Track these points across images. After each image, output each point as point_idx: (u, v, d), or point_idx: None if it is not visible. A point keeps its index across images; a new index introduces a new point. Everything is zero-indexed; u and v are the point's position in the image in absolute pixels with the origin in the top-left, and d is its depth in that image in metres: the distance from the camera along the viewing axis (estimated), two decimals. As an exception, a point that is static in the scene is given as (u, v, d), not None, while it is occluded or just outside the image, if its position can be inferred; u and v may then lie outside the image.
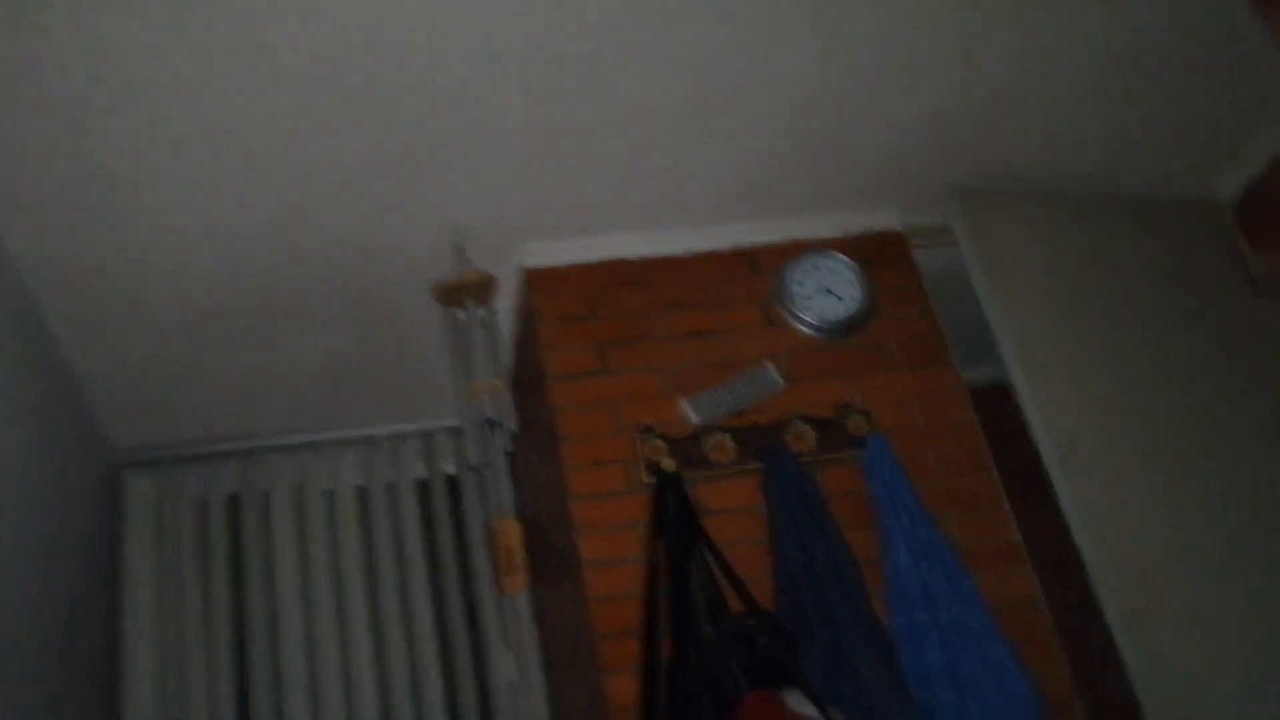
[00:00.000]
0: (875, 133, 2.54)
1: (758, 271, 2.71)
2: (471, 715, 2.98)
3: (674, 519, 2.30)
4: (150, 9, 1.86)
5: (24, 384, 2.42)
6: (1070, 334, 2.63)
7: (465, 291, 2.55)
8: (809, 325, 2.63)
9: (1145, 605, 2.32)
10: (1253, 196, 2.93)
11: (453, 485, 3.29)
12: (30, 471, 2.40)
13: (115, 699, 2.83)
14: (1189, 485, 2.51)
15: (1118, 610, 2.31)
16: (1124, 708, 2.30)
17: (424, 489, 3.26)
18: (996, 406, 2.70)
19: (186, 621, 2.96)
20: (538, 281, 2.65)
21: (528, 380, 2.72)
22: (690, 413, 2.49)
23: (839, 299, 2.66)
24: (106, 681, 2.84)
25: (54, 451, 2.61)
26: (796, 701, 2.04)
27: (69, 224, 2.31)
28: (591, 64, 2.18)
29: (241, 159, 2.23)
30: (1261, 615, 2.38)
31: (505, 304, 2.74)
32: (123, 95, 2.02)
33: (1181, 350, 2.71)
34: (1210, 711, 2.23)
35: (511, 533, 2.59)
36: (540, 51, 2.13)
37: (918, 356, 2.66)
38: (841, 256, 2.70)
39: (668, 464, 2.37)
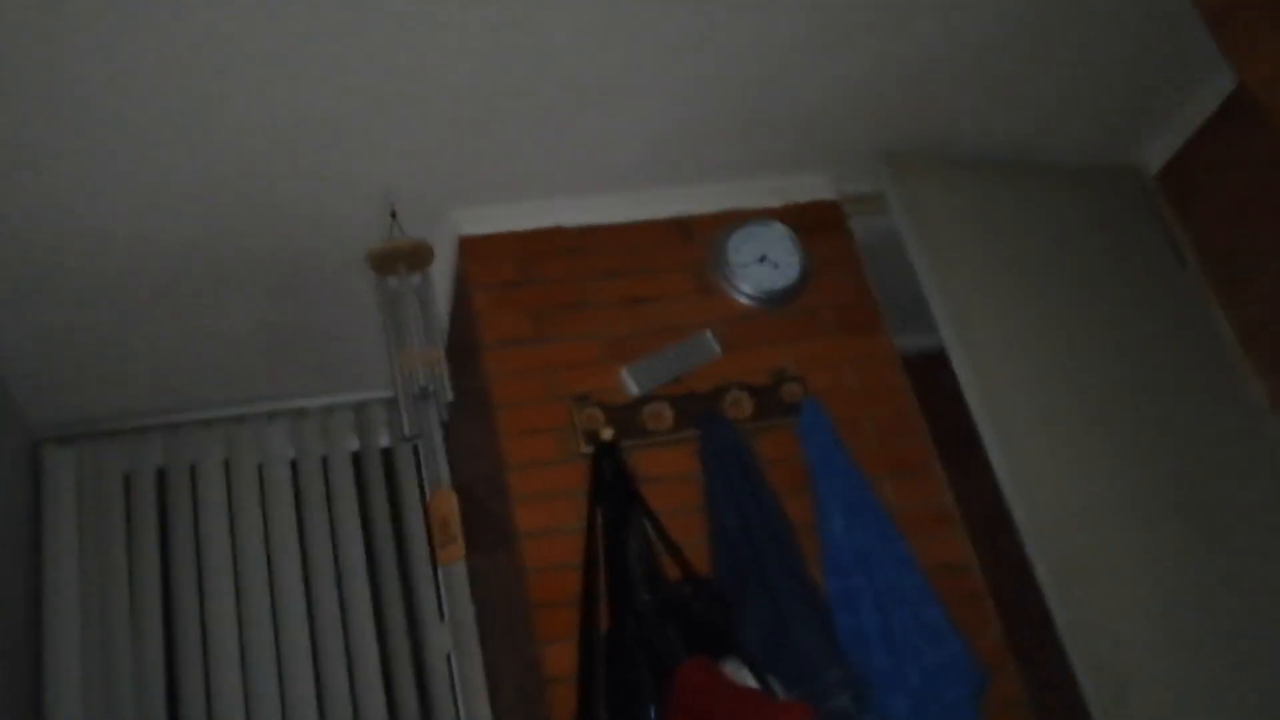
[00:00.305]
0: (807, 98, 2.54)
1: (693, 239, 2.70)
2: (408, 687, 2.96)
3: (611, 487, 2.29)
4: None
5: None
6: (1001, 300, 2.66)
7: (398, 259, 2.50)
8: (746, 294, 2.63)
9: (1073, 565, 2.36)
10: (1178, 164, 2.98)
11: (387, 457, 3.26)
12: None
13: (38, 677, 2.77)
14: (1116, 447, 2.57)
15: (1047, 570, 2.34)
16: (1055, 666, 2.35)
17: (358, 461, 3.22)
18: (931, 373, 2.73)
19: (112, 599, 2.90)
20: (472, 249, 2.62)
21: (463, 349, 2.69)
22: (628, 381, 2.48)
23: (775, 267, 2.66)
24: (29, 660, 2.78)
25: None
26: (734, 669, 2.05)
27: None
28: (523, 28, 2.15)
29: (162, 121, 2.17)
30: (1182, 573, 2.44)
31: (439, 272, 2.70)
32: (32, 55, 1.94)
33: (1109, 316, 2.76)
34: (1133, 667, 2.28)
35: (447, 503, 2.57)
36: (471, 14, 2.09)
37: (852, 323, 2.67)
38: (777, 224, 2.70)
39: (605, 433, 2.36)
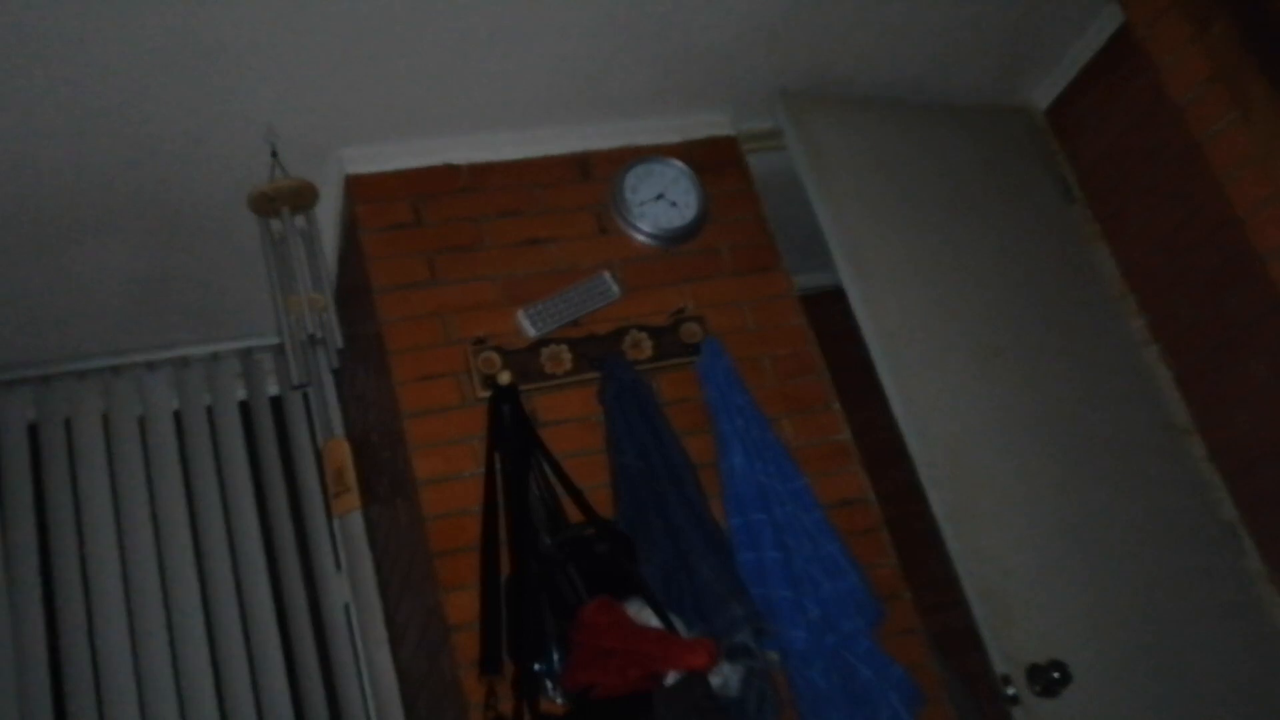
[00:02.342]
0: (705, 33, 2.51)
1: (590, 177, 2.66)
2: (306, 641, 2.90)
3: (510, 432, 2.27)
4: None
5: None
6: (895, 237, 2.69)
7: (282, 200, 2.41)
8: (644, 233, 2.61)
9: (963, 495, 2.42)
10: (1065, 102, 3.04)
11: (277, 406, 3.16)
12: None
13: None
14: (1005, 380, 2.63)
15: (939, 500, 2.40)
16: (946, 592, 2.42)
17: (246, 411, 3.12)
18: (829, 308, 2.75)
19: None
20: (360, 188, 2.53)
21: (354, 294, 2.61)
22: (526, 325, 2.44)
23: (674, 205, 2.63)
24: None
25: None
26: (636, 609, 2.06)
27: None
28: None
29: (25, 52, 2.03)
30: (1063, 502, 2.53)
31: (326, 213, 2.61)
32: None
33: (999, 251, 2.82)
34: (1018, 595, 2.36)
35: (340, 452, 2.52)
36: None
37: (750, 262, 2.67)
38: (676, 162, 2.67)
39: (504, 377, 2.32)
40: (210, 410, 3.08)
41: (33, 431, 2.97)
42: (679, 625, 2.06)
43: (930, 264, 2.70)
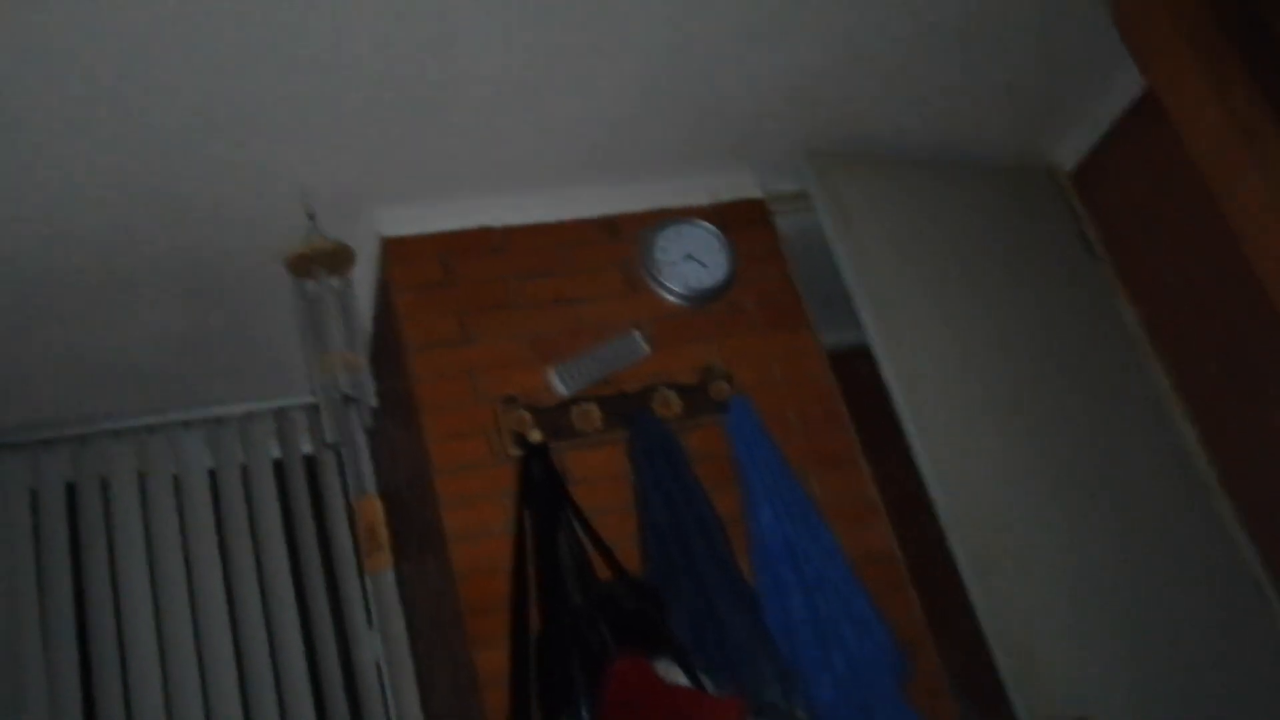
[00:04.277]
0: (730, 95, 2.55)
1: (619, 238, 2.70)
2: (339, 698, 2.92)
3: (540, 489, 2.29)
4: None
5: None
6: (921, 294, 2.72)
7: (319, 261, 2.46)
8: (674, 292, 2.64)
9: (989, 550, 2.42)
10: (1090, 161, 3.07)
11: (310, 464, 3.20)
12: None
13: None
14: (1030, 436, 2.64)
15: (965, 555, 2.40)
16: (971, 646, 2.41)
17: (280, 469, 3.16)
18: (855, 366, 2.77)
19: (21, 620, 2.79)
20: (394, 249, 2.58)
21: (387, 352, 2.66)
22: (557, 383, 2.47)
23: (703, 266, 2.67)
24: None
25: None
26: (666, 666, 2.06)
27: None
28: (443, 19, 2.12)
29: (64, 116, 2.09)
30: (1089, 557, 2.53)
31: (361, 272, 2.64)
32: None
33: (1024, 308, 2.84)
34: (1045, 649, 2.35)
35: (373, 511, 2.54)
36: (378, 9, 2.05)
37: (777, 319, 2.70)
38: (704, 223, 2.71)
39: (534, 435, 2.35)
40: (244, 468, 3.12)
41: (70, 490, 3.00)
42: (708, 683, 2.06)
43: (955, 321, 2.72)
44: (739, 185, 2.84)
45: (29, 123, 2.08)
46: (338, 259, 2.49)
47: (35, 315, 2.63)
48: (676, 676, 2.06)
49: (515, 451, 2.36)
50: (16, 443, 2.97)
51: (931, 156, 2.95)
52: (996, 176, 3.04)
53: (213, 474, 3.09)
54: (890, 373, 2.56)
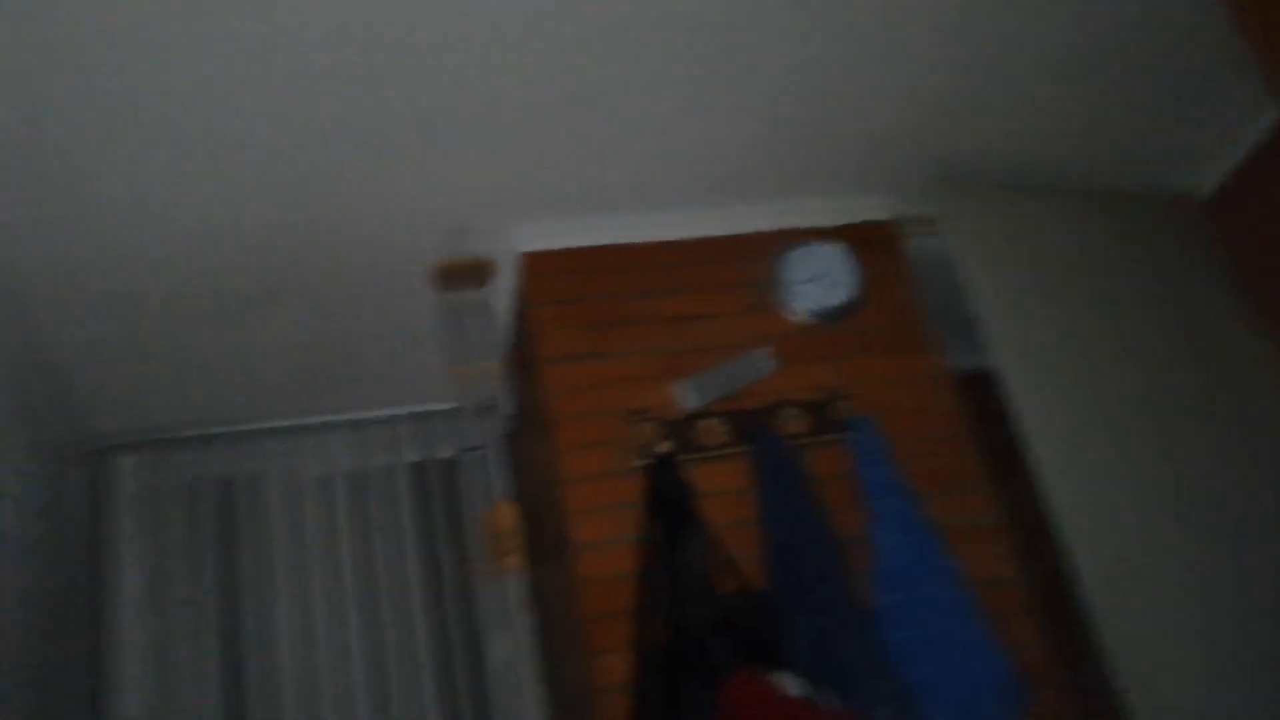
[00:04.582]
0: (863, 120, 2.56)
1: (748, 257, 2.74)
2: (466, 697, 3.01)
3: (666, 501, 2.33)
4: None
5: (7, 370, 2.41)
6: (1050, 321, 2.69)
7: (461, 275, 2.56)
8: (800, 312, 2.67)
9: (1116, 582, 2.38)
10: (1228, 191, 2.99)
11: (447, 468, 3.31)
12: (14, 458, 2.38)
13: (98, 684, 2.84)
14: (1160, 468, 2.59)
15: (1091, 586, 2.36)
16: (1097, 678, 2.38)
17: (419, 472, 3.28)
18: (978, 391, 2.76)
19: (174, 607, 2.97)
20: (531, 264, 2.67)
21: (522, 363, 2.74)
22: (683, 397, 2.52)
23: (831, 286, 2.69)
24: (93, 667, 2.84)
25: (38, 437, 2.59)
26: (784, 681, 2.09)
27: (44, 205, 2.29)
28: (580, 44, 2.18)
29: (224, 137, 2.21)
30: (1222, 591, 2.46)
31: (500, 287, 2.75)
32: (98, 79, 2.01)
33: (1155, 338, 2.78)
34: (1174, 686, 2.31)
35: (506, 515, 2.62)
36: (531, 31, 2.12)
37: (902, 341, 2.71)
38: (834, 244, 2.73)
39: (662, 446, 2.41)
40: (385, 470, 3.25)
41: (223, 485, 3.17)
42: (823, 699, 2.09)
43: (1083, 348, 2.69)
44: (868, 207, 2.85)
45: (190, 146, 2.21)
46: (479, 272, 2.59)
47: (197, 321, 2.79)
48: (795, 690, 2.08)
49: (642, 462, 2.42)
50: (177, 439, 3.17)
51: (1063, 183, 2.92)
52: (1130, 204, 2.98)
53: (355, 475, 3.23)
54: (1016, 399, 2.54)
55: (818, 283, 2.70)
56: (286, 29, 1.99)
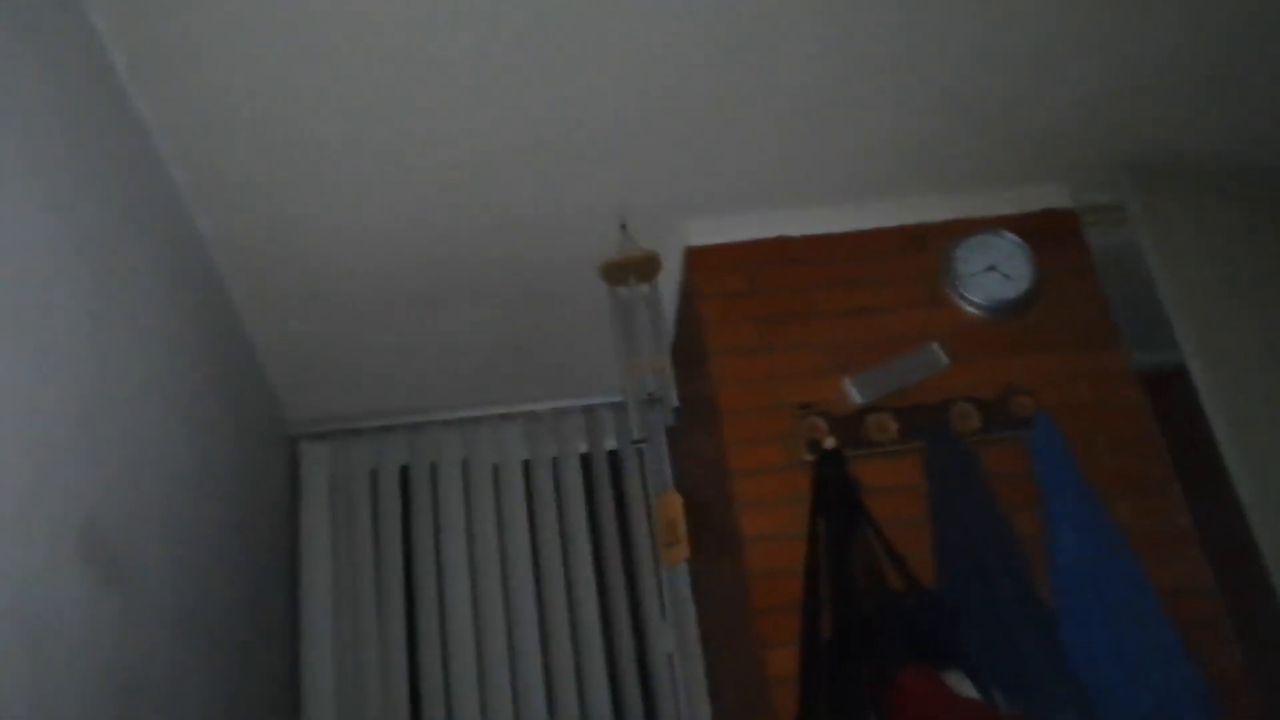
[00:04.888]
0: (1042, 107, 2.49)
1: (921, 249, 2.70)
2: (632, 686, 3.07)
3: (835, 496, 2.32)
4: None
5: (211, 358, 2.56)
6: (1246, 317, 2.56)
7: (629, 269, 2.61)
8: (975, 304, 2.61)
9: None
10: None
11: (614, 460, 3.37)
12: (217, 443, 2.53)
13: (296, 653, 3.02)
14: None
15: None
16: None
17: (586, 463, 3.35)
18: (1166, 390, 2.63)
19: (360, 585, 3.13)
20: (699, 259, 2.69)
21: (689, 356, 2.77)
22: (853, 391, 2.50)
23: (1006, 278, 2.62)
24: (288, 640, 3.02)
25: (238, 424, 2.75)
26: (955, 680, 2.06)
27: (255, 203, 2.44)
28: (752, 42, 2.19)
29: (417, 141, 2.32)
30: None
31: (667, 281, 2.79)
32: (310, 77, 2.12)
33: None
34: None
35: (674, 505, 2.65)
36: (702, 32, 2.15)
37: (1086, 337, 2.61)
38: (1009, 235, 2.66)
39: (829, 441, 2.39)
40: (555, 461, 3.33)
41: (404, 472, 3.32)
42: (999, 699, 2.04)
43: (1285, 344, 2.54)
44: (1048, 196, 2.76)
45: (383, 150, 2.33)
46: (647, 267, 2.63)
47: (383, 318, 2.93)
48: (966, 690, 2.05)
49: (810, 457, 2.41)
50: (362, 428, 3.33)
51: (1260, 171, 2.75)
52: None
53: (527, 464, 3.33)
54: (1209, 397, 2.43)
55: (992, 274, 2.63)
56: (469, 43, 2.08)
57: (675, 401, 2.59)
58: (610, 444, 3.38)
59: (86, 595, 1.71)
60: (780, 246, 2.70)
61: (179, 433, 2.25)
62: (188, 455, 2.30)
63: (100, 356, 1.86)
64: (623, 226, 2.63)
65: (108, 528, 1.82)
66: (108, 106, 2.00)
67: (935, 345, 2.56)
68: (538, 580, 3.16)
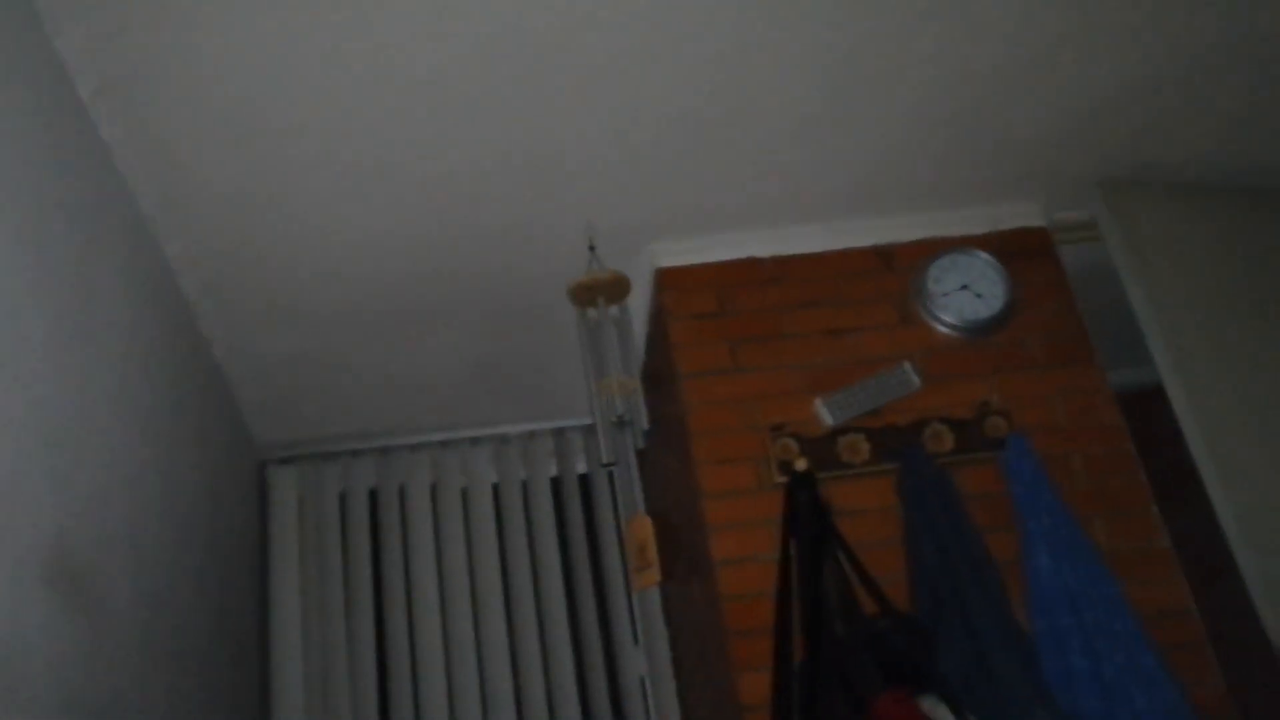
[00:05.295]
0: (1014, 124, 2.48)
1: (893, 268, 2.68)
2: (604, 711, 3.03)
3: (806, 518, 2.29)
4: (314, 9, 1.93)
5: (179, 383, 2.54)
6: (1222, 332, 2.53)
7: (598, 291, 2.58)
8: (947, 324, 2.59)
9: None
10: None
11: (585, 483, 3.35)
12: (184, 467, 2.51)
13: (265, 678, 2.97)
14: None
15: (1275, 619, 2.21)
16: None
17: (557, 486, 3.33)
18: (1142, 408, 2.61)
19: (329, 608, 3.09)
20: (669, 280, 2.67)
21: (659, 378, 2.74)
22: (825, 413, 2.47)
23: (979, 297, 2.60)
24: (257, 663, 2.98)
25: (206, 448, 2.73)
26: (931, 705, 2.02)
27: (222, 228, 2.42)
28: (722, 62, 2.18)
29: (387, 162, 2.30)
30: None
31: (637, 303, 2.76)
32: (278, 97, 2.10)
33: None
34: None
35: (644, 529, 2.61)
36: (672, 49, 2.13)
37: (1060, 355, 2.59)
38: (982, 253, 2.65)
39: (800, 463, 2.36)
40: (525, 484, 3.30)
41: (373, 495, 3.29)
42: (974, 726, 2.00)
43: (1265, 361, 2.51)
44: (1020, 213, 2.75)
45: (362, 166, 2.30)
46: (616, 289, 2.60)
47: (352, 340, 2.90)
48: (942, 715, 2.01)
49: (781, 479, 2.37)
50: (332, 452, 3.30)
51: (1233, 184, 2.74)
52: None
53: (496, 488, 3.29)
54: (1186, 414, 2.40)
55: (965, 293, 2.61)
56: (446, 55, 2.06)
57: (646, 424, 2.55)
58: (580, 467, 3.36)
59: (53, 619, 1.69)
60: (750, 267, 2.67)
61: (146, 457, 2.24)
62: (155, 479, 2.29)
63: (67, 380, 1.85)
64: (591, 248, 2.59)
65: (75, 551, 1.80)
66: (73, 131, 1.99)
67: (907, 365, 2.53)
68: (508, 605, 3.12)
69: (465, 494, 3.27)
